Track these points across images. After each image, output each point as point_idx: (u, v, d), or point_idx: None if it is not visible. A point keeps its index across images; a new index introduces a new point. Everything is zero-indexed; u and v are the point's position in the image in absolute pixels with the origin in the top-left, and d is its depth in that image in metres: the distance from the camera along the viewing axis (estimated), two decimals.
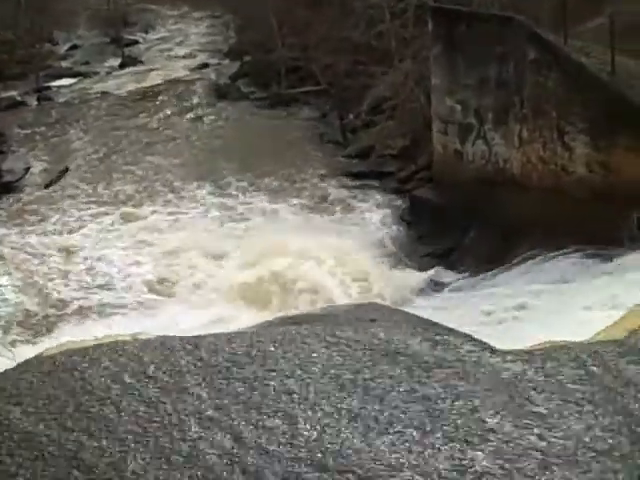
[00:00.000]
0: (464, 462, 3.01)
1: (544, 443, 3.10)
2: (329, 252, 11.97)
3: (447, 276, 11.98)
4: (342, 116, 17.13)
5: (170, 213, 14.51)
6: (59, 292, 12.17)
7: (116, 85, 22.72)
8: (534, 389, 3.40)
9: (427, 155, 13.87)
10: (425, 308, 9.98)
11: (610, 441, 3.13)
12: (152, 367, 3.57)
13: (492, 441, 3.12)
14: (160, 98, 21.10)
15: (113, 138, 18.47)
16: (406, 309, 9.16)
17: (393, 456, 3.05)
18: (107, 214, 14.62)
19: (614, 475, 2.99)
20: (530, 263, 11.16)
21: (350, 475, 2.95)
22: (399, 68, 16.21)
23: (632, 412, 3.27)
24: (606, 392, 3.39)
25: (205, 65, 23.82)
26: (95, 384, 3.48)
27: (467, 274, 11.82)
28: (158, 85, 22.17)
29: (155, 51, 26.46)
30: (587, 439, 3.13)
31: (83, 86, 23.11)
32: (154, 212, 14.55)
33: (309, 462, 3.04)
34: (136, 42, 27.42)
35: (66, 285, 12.37)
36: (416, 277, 11.92)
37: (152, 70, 23.92)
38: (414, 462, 3.02)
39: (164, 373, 3.54)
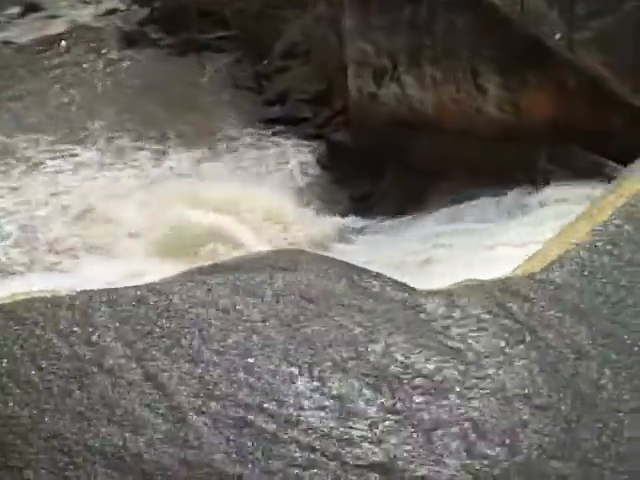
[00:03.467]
0: (389, 403, 3.04)
1: (463, 378, 3.17)
2: (244, 199, 11.86)
3: (365, 220, 12.06)
4: (255, 62, 16.87)
5: (77, 162, 14.14)
6: None
7: (18, 34, 21.84)
8: (452, 327, 3.45)
9: (343, 99, 13.80)
10: (343, 252, 10.03)
11: (526, 374, 3.21)
12: (68, 323, 3.49)
13: (413, 379, 3.16)
14: (65, 46, 20.40)
15: (18, 87, 17.83)
16: (326, 254, 9.19)
17: (316, 398, 3.05)
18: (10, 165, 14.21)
19: (530, 408, 3.07)
20: (446, 205, 11.31)
21: (270, 419, 2.95)
22: (312, 11, 15.99)
23: (546, 344, 3.37)
24: (520, 326, 3.48)
25: (112, 11, 23.04)
26: (9, 344, 3.38)
27: (385, 217, 11.91)
28: (63, 33, 21.39)
29: None
30: (504, 373, 3.20)
31: None
32: (61, 164, 14.17)
33: (235, 410, 3.02)
34: None
35: None
36: (334, 222, 11.94)
37: (56, 17, 23.05)
38: (338, 407, 3.03)
39: (80, 328, 3.46)
